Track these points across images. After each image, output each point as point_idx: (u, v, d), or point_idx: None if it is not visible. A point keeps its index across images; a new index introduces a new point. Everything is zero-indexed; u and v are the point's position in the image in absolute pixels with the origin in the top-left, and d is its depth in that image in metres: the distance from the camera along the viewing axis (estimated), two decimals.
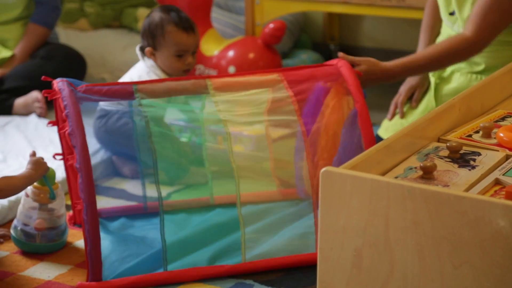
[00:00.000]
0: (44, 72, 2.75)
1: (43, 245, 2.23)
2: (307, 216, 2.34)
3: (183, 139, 2.78)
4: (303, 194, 2.46)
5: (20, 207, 2.25)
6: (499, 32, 2.48)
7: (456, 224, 1.34)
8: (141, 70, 2.84)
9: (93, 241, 2.01)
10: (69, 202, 2.48)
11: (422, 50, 2.54)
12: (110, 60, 3.87)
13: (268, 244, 2.23)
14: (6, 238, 2.31)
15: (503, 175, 1.63)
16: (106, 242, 2.20)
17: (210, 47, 3.62)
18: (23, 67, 3.49)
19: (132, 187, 2.67)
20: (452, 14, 2.62)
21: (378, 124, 2.95)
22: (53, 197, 2.22)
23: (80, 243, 2.30)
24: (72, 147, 2.04)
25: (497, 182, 1.61)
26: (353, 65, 2.32)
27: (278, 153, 2.57)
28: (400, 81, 2.69)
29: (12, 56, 3.54)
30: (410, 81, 2.83)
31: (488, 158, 1.71)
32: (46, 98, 3.20)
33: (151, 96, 2.18)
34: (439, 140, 1.82)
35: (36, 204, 2.22)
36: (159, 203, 2.12)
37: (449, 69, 2.70)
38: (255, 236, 2.25)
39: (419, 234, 1.37)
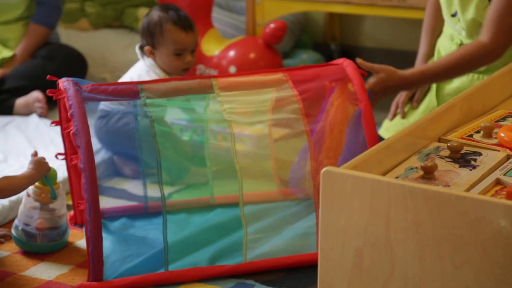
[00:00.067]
0: (45, 72, 2.74)
1: (44, 245, 2.23)
2: (308, 216, 2.34)
3: (185, 138, 2.78)
4: (301, 194, 2.46)
5: (21, 207, 2.25)
6: None
7: (457, 224, 1.34)
8: (141, 69, 2.84)
9: (95, 241, 2.01)
10: (70, 202, 2.48)
11: (440, 58, 2.52)
12: (111, 60, 3.87)
13: (269, 244, 2.23)
14: (7, 238, 2.31)
15: (504, 175, 1.63)
16: (107, 242, 2.19)
17: (211, 47, 3.62)
18: (24, 67, 3.49)
19: (133, 187, 2.67)
20: (454, 15, 2.62)
21: (379, 124, 2.95)
22: (54, 197, 2.22)
23: (81, 243, 2.30)
24: (77, 147, 2.04)
25: (498, 182, 1.61)
26: (371, 72, 2.32)
27: (280, 153, 2.57)
28: None
29: (13, 56, 3.54)
30: None
31: (489, 158, 1.71)
32: (46, 98, 3.22)
33: (156, 96, 2.18)
34: (440, 140, 1.82)
35: (37, 204, 2.23)
36: (162, 203, 2.11)
37: None
38: (256, 236, 2.25)
39: (420, 234, 1.37)
